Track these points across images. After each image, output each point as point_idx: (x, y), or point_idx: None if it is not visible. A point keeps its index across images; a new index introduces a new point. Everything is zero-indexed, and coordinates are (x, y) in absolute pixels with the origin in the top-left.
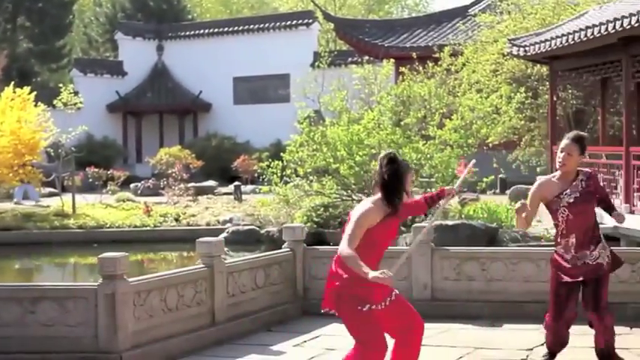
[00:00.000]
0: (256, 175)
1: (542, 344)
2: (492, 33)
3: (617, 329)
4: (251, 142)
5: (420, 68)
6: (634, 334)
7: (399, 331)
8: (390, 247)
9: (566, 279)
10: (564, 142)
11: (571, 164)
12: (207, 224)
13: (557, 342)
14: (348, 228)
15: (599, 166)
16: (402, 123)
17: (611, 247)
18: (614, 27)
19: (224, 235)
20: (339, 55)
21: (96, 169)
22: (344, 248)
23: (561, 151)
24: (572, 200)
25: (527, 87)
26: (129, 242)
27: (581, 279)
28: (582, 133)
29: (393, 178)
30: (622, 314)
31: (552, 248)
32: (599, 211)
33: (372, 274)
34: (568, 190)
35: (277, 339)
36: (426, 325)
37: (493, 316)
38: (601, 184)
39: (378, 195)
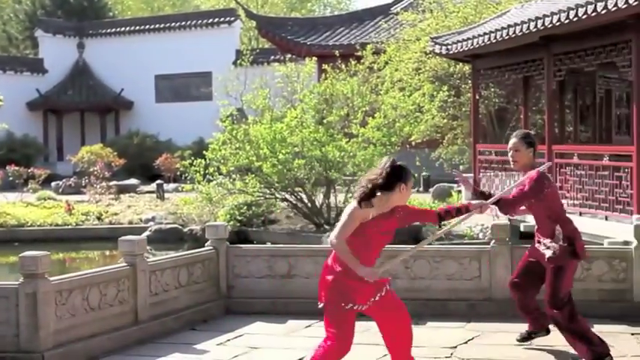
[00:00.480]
0: (179, 173)
1: (466, 342)
2: (415, 31)
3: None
4: (173, 141)
5: (343, 66)
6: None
7: (385, 324)
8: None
9: (527, 256)
10: (510, 140)
11: (522, 159)
12: (130, 223)
13: (521, 308)
14: (341, 219)
15: None
16: (325, 121)
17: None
18: (535, 26)
19: (147, 233)
20: (261, 53)
21: (16, 168)
22: (333, 237)
23: (509, 150)
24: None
25: (450, 85)
26: (50, 241)
27: (533, 259)
28: (528, 131)
29: (386, 179)
30: None
31: (475, 246)
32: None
33: (361, 269)
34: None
35: (201, 338)
36: None
37: (417, 314)
38: (532, 183)
39: (378, 193)
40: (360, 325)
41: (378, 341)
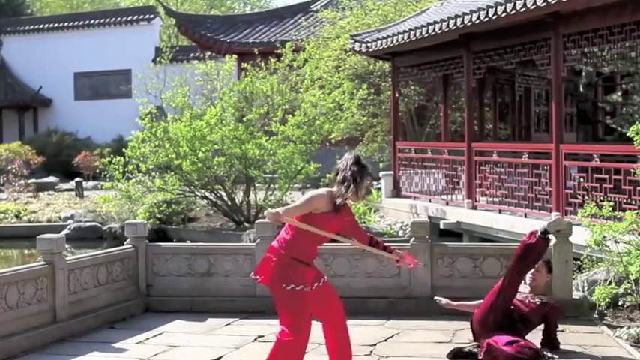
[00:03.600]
0: (98, 171)
1: (386, 339)
2: (334, 29)
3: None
4: (92, 138)
5: (263, 64)
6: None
7: (323, 314)
8: None
9: None
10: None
11: (540, 280)
12: (49, 221)
13: None
14: (298, 201)
15: (442, 162)
16: (244, 119)
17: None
18: (455, 24)
19: (65, 231)
20: (181, 50)
21: None
22: (282, 210)
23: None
24: None
25: (370, 83)
26: None
27: None
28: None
29: (352, 178)
30: None
31: (395, 244)
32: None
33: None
34: None
35: (120, 336)
36: (271, 321)
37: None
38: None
39: (334, 189)
40: None
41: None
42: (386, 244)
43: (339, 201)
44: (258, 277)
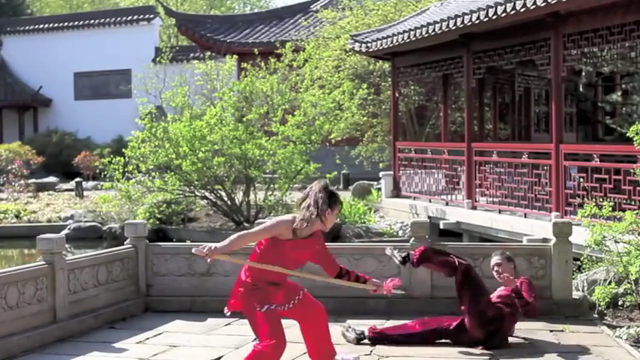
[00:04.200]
0: (98, 171)
1: None
2: (334, 29)
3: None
4: (92, 138)
5: (263, 64)
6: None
7: (305, 322)
8: None
9: None
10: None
11: (506, 271)
12: (49, 221)
13: None
14: (257, 227)
15: (442, 162)
16: (244, 119)
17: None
18: (455, 24)
19: (65, 231)
20: (181, 50)
21: None
22: (226, 241)
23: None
24: None
25: (370, 83)
26: None
27: None
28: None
29: (316, 206)
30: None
31: (395, 244)
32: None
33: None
34: None
35: (120, 336)
36: None
37: (337, 312)
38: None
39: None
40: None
41: (297, 339)
42: (359, 273)
43: (301, 225)
44: (230, 311)
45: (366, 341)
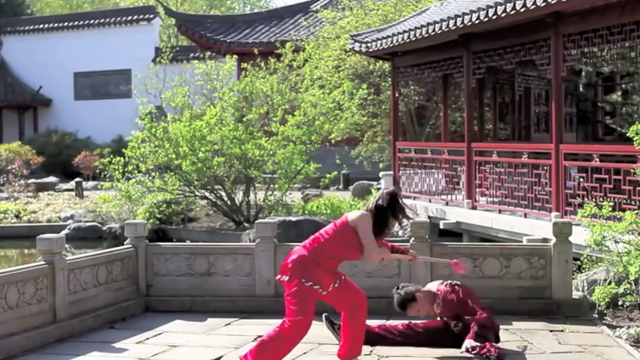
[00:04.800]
0: (98, 171)
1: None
2: (334, 29)
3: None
4: (92, 138)
5: (263, 64)
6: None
7: (346, 308)
8: None
9: None
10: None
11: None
12: (49, 221)
13: None
14: (366, 236)
15: (442, 162)
16: (244, 119)
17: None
18: (454, 24)
19: (65, 231)
20: (181, 50)
21: None
22: (371, 252)
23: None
24: None
25: (370, 83)
26: None
27: None
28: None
29: (387, 215)
30: None
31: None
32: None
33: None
34: None
35: (120, 336)
36: (271, 322)
37: (337, 312)
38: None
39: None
40: None
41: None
42: (402, 247)
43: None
44: (283, 276)
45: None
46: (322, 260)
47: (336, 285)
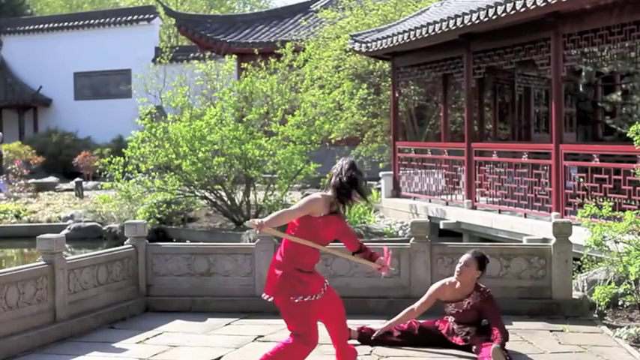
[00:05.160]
0: (98, 171)
1: None
2: (334, 29)
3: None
4: (92, 138)
5: (263, 64)
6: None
7: (333, 320)
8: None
9: None
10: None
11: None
12: (49, 221)
13: None
14: (292, 206)
15: (442, 162)
16: (244, 119)
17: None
18: (455, 24)
19: (65, 231)
20: (180, 50)
21: None
22: (269, 217)
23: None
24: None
25: (370, 83)
26: None
27: None
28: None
29: (348, 183)
30: None
31: (395, 244)
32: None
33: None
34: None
35: (120, 336)
36: (272, 322)
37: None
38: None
39: (329, 193)
40: None
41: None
42: (373, 251)
43: (336, 206)
44: (269, 296)
45: (355, 341)
46: (300, 262)
47: (325, 289)
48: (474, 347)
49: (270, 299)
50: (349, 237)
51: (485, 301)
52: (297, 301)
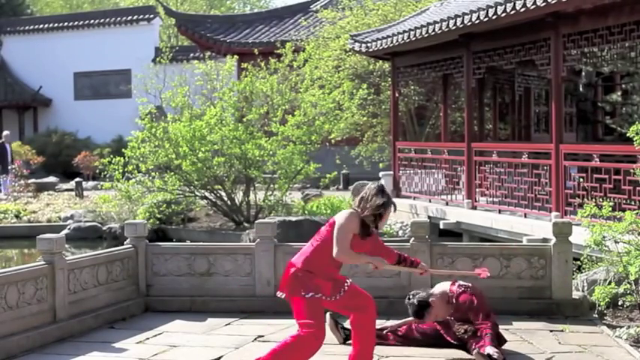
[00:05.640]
0: (98, 171)
1: None
2: (334, 29)
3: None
4: (92, 138)
5: (263, 64)
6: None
7: (352, 311)
8: None
9: None
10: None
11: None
12: (49, 221)
13: None
14: (338, 234)
15: (442, 162)
16: (244, 119)
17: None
18: (455, 24)
19: (65, 231)
20: (180, 50)
21: None
22: (339, 253)
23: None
24: None
25: (370, 83)
26: None
27: None
28: None
29: (376, 209)
30: None
31: (395, 244)
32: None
33: (373, 259)
34: None
35: (120, 336)
36: (272, 322)
37: (336, 312)
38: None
39: (359, 210)
40: None
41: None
42: (413, 258)
43: (372, 227)
44: (282, 294)
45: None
46: (316, 269)
47: (342, 294)
48: (471, 346)
49: (283, 296)
50: (385, 250)
51: (469, 308)
52: (308, 296)
